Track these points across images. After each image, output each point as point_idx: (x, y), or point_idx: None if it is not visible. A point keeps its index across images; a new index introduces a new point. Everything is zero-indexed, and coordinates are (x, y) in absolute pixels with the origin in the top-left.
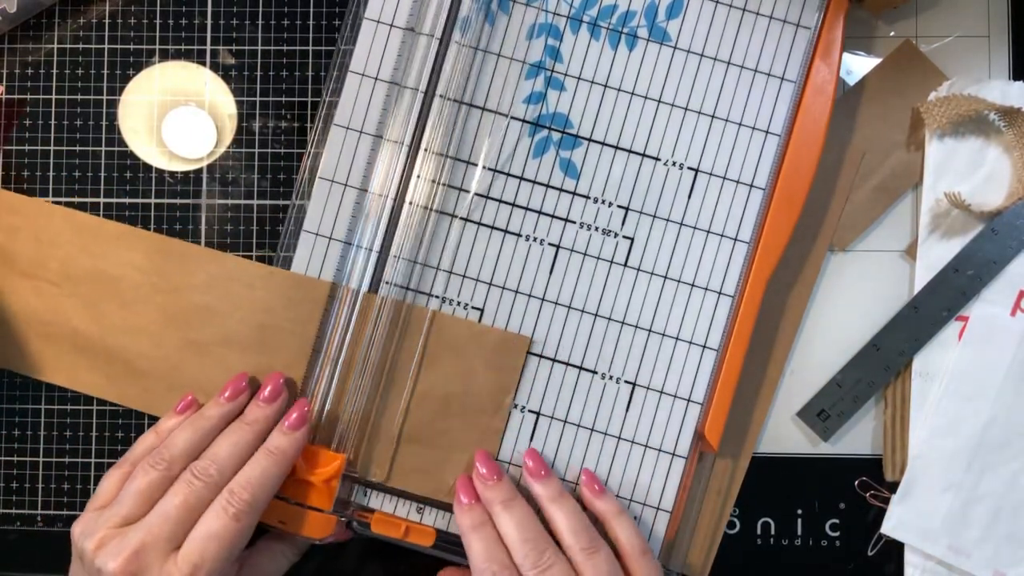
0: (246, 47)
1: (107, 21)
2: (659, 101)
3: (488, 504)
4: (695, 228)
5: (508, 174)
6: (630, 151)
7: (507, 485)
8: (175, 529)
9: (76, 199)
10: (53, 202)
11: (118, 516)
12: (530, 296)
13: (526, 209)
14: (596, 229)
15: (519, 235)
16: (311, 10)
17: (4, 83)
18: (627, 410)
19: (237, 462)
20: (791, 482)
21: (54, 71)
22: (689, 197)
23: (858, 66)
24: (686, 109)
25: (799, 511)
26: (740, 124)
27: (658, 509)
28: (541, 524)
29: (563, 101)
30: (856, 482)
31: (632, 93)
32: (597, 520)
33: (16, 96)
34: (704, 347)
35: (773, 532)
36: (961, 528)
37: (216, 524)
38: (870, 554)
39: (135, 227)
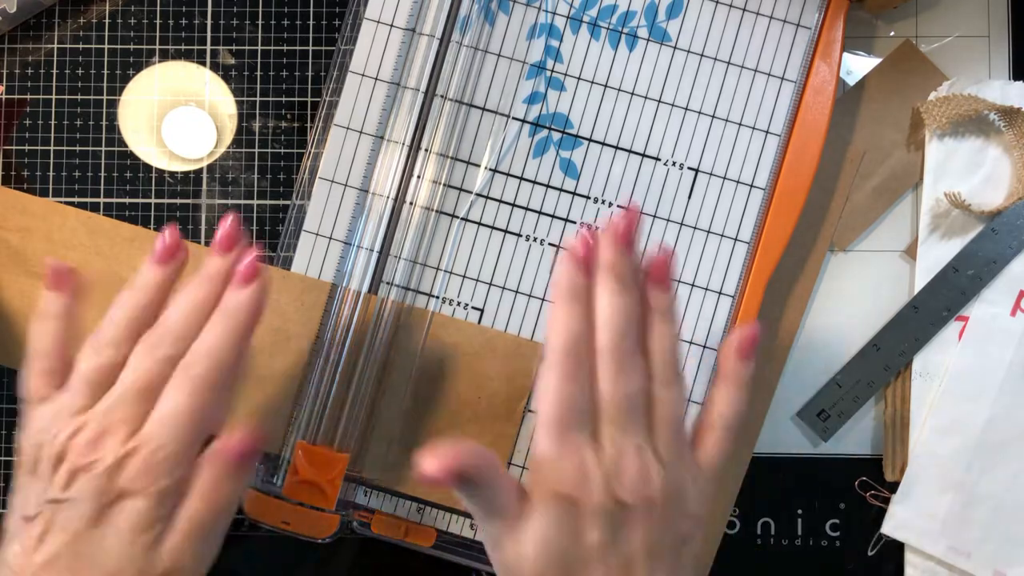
0: (246, 47)
1: (107, 21)
2: (659, 101)
3: (604, 270)
4: (695, 228)
5: (508, 174)
6: (630, 151)
7: (632, 263)
8: (134, 412)
9: (76, 199)
10: (55, 203)
11: (73, 407)
12: (530, 296)
13: (526, 209)
14: (596, 229)
15: (519, 235)
16: (311, 10)
17: (4, 83)
18: None
19: (193, 328)
20: (791, 482)
21: (54, 71)
22: (689, 197)
23: (858, 66)
24: (686, 109)
25: (799, 511)
26: (740, 124)
27: None
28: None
29: (563, 101)
30: (856, 482)
31: (632, 93)
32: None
33: (16, 96)
34: (704, 347)
35: (773, 532)
36: (961, 528)
37: (171, 404)
38: (870, 554)
39: (149, 229)
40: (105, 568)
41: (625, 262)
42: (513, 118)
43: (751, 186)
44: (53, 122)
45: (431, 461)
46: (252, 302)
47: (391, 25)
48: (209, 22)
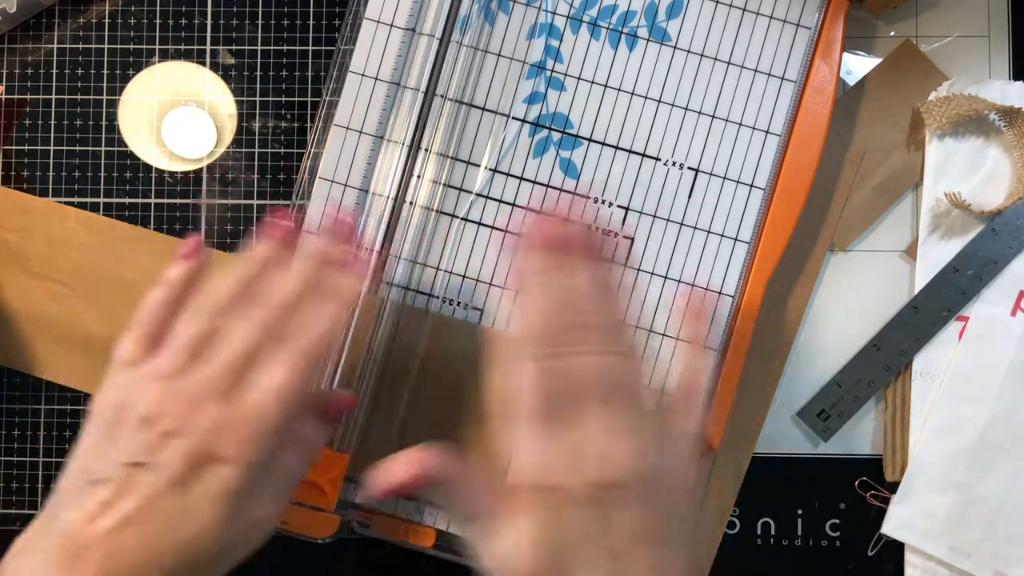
0: (246, 47)
1: (107, 21)
2: (659, 101)
3: (570, 251)
4: (695, 228)
5: (508, 174)
6: (630, 151)
7: (589, 237)
8: (234, 380)
9: (76, 199)
10: (54, 202)
11: (168, 370)
12: None
13: (526, 209)
14: (596, 229)
15: (519, 235)
16: (311, 10)
17: (4, 83)
18: None
19: (296, 305)
20: (791, 482)
21: (54, 71)
22: (689, 197)
23: (858, 66)
24: (686, 109)
25: (799, 511)
26: (740, 124)
27: None
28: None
29: (563, 101)
30: (856, 482)
31: (632, 93)
32: None
33: (16, 96)
34: (704, 347)
35: (773, 532)
36: (961, 528)
37: (278, 378)
38: (870, 554)
39: (148, 229)
40: (186, 531)
41: (576, 237)
42: (513, 118)
43: (751, 186)
44: (53, 122)
45: (382, 476)
46: (358, 291)
47: (391, 25)
48: (209, 22)
